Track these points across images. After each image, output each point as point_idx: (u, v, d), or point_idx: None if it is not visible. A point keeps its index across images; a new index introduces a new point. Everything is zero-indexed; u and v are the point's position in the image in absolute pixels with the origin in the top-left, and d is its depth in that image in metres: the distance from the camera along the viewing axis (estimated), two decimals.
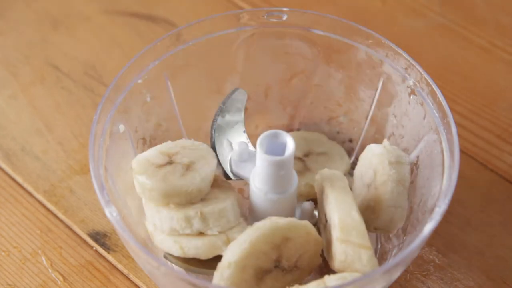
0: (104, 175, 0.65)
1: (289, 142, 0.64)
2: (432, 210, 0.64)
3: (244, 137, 0.72)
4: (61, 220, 0.76)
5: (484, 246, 0.74)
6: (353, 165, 0.72)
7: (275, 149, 0.65)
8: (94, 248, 0.74)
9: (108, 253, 0.74)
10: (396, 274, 0.64)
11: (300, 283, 0.62)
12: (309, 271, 0.65)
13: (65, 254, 0.73)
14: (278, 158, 0.64)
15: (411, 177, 0.69)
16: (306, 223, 0.63)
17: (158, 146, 0.68)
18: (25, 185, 0.78)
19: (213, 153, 0.68)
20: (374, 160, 0.68)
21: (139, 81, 0.70)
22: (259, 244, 0.61)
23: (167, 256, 0.67)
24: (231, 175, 0.70)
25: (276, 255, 0.62)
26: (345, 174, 0.72)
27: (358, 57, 0.72)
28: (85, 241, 0.74)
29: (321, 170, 0.67)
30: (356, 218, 0.62)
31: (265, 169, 0.65)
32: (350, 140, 0.76)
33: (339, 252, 0.62)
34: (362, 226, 0.62)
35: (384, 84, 0.72)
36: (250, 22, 0.73)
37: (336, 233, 0.62)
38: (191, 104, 0.73)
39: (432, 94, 0.68)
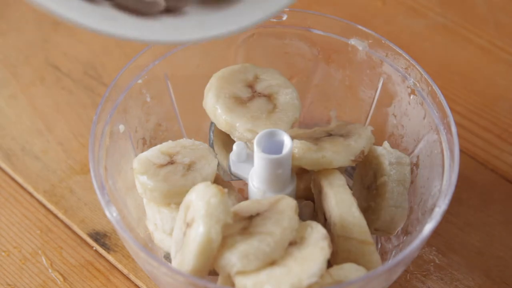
0: (104, 175, 0.65)
1: (286, 141, 0.64)
2: (432, 210, 0.64)
3: None
4: (61, 220, 0.76)
5: (484, 246, 0.74)
6: (353, 166, 0.72)
7: (273, 148, 0.65)
8: (94, 248, 0.74)
9: (108, 253, 0.74)
10: (396, 274, 0.64)
11: None
12: None
13: (65, 254, 0.73)
14: (275, 156, 0.64)
15: (411, 177, 0.69)
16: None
17: (158, 146, 0.68)
18: (25, 185, 0.78)
19: (214, 153, 0.68)
20: (374, 161, 0.68)
21: (139, 81, 0.70)
22: None
23: (167, 256, 0.67)
24: (229, 176, 0.70)
25: None
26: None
27: (358, 57, 0.72)
28: (85, 241, 0.74)
29: (318, 170, 0.67)
30: (356, 214, 0.62)
31: (263, 168, 0.65)
32: None
33: (342, 250, 0.62)
34: (363, 222, 0.62)
35: (384, 84, 0.72)
36: None
37: (337, 231, 0.62)
38: (191, 104, 0.73)
39: (432, 94, 0.68)
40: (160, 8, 0.59)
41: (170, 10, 0.60)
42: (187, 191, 0.63)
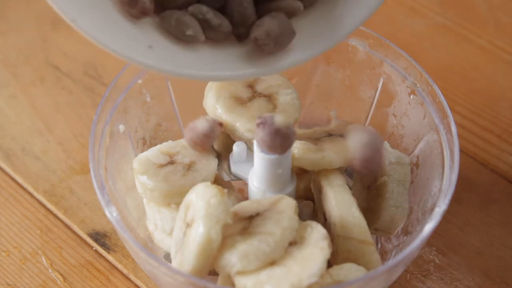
0: (104, 175, 0.65)
1: None
2: (432, 210, 0.64)
3: None
4: (61, 220, 0.76)
5: (484, 246, 0.74)
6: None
7: None
8: (94, 248, 0.74)
9: (108, 253, 0.74)
10: (396, 274, 0.64)
11: None
12: None
13: (65, 254, 0.73)
14: (275, 156, 0.64)
15: (411, 177, 0.69)
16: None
17: (158, 146, 0.68)
18: (25, 185, 0.78)
19: (214, 153, 0.68)
20: None
21: (139, 81, 0.70)
22: None
23: (167, 256, 0.67)
24: (229, 176, 0.70)
25: None
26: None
27: (358, 57, 0.72)
28: (85, 241, 0.74)
29: (318, 170, 0.67)
30: (356, 214, 0.62)
31: (263, 168, 0.65)
32: None
33: (342, 250, 0.62)
34: (363, 222, 0.62)
35: (384, 84, 0.72)
36: None
37: (337, 231, 0.62)
38: (191, 104, 0.73)
39: (432, 94, 0.68)
40: (199, 42, 0.59)
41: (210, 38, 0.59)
42: (187, 191, 0.63)
